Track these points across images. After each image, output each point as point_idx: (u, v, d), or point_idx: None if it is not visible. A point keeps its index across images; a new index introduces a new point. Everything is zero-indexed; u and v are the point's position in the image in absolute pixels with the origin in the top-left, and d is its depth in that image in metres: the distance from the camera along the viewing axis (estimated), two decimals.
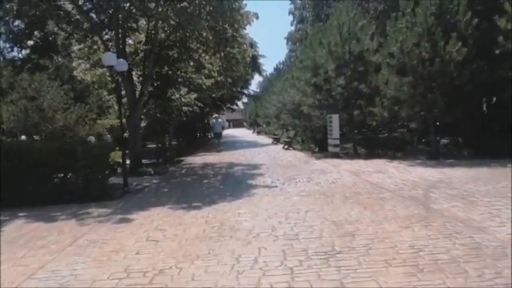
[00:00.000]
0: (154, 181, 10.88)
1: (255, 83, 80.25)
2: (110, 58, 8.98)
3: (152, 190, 9.39)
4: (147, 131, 18.04)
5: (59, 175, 8.33)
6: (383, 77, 13.46)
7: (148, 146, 26.52)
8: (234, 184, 9.65)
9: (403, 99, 12.53)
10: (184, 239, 5.19)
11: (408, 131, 14.85)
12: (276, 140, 25.78)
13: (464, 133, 14.40)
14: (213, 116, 20.90)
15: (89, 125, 16.16)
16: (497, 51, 11.01)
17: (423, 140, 15.56)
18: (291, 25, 42.50)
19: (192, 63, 14.06)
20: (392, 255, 4.20)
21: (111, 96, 17.82)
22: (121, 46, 12.50)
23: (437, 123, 13.14)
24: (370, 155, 14.47)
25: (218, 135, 21.20)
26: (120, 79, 9.83)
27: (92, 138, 16.89)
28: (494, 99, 14.52)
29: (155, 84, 13.32)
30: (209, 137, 22.65)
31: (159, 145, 26.17)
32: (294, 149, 19.87)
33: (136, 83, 13.23)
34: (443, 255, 4.12)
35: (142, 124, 18.25)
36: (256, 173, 11.45)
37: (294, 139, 20.89)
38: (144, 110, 17.51)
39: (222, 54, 12.65)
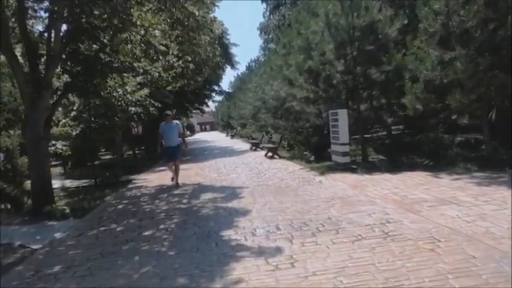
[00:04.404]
0: (58, 235, 6.16)
1: (226, 83, 75.81)
2: None
3: (27, 272, 4.66)
4: (81, 142, 13.15)
5: None
6: (412, 52, 9.30)
7: (104, 158, 21.72)
8: (197, 244, 5.10)
9: (450, 82, 8.36)
10: None
11: (444, 130, 10.75)
12: (255, 146, 21.36)
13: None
14: (167, 115, 10.53)
15: None
16: None
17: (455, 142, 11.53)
18: (263, 16, 38.41)
19: (133, 39, 9.33)
20: None
21: None
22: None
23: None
24: (392, 165, 10.27)
25: (171, 153, 10.14)
26: None
27: None
28: None
29: (73, 70, 8.54)
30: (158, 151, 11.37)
31: (113, 156, 21.33)
32: (281, 157, 15.49)
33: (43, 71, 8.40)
34: None
35: (75, 132, 13.38)
36: (236, 210, 6.94)
37: (279, 144, 16.49)
38: (74, 113, 12.73)
39: (174, 10, 8.07)
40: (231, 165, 14.34)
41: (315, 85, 12.23)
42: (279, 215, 6.24)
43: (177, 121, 10.90)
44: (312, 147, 13.72)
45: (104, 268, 4.45)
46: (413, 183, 7.83)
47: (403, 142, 11.23)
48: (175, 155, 10.20)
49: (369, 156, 12.03)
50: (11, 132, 12.96)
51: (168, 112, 11.03)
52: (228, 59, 24.98)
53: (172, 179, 10.47)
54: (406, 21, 11.00)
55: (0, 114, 12.98)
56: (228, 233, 5.44)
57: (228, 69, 30.16)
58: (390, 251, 4.20)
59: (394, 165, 10.20)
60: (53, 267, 4.63)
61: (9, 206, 9.18)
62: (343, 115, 10.63)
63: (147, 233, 5.84)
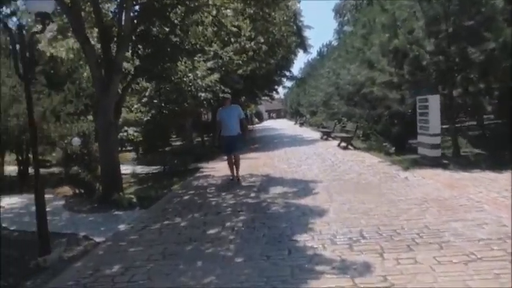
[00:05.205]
0: (122, 227, 5.89)
1: (296, 69, 74.36)
2: None
3: (85, 270, 4.32)
4: (152, 128, 13.16)
5: None
6: None
7: (174, 144, 22.14)
8: (266, 250, 4.41)
9: None
10: None
11: None
12: (326, 135, 20.23)
13: None
14: (225, 98, 9.51)
15: (68, 122, 11.60)
16: None
17: None
18: None
19: (205, 20, 8.83)
20: None
21: None
22: None
23: None
24: (494, 161, 8.68)
25: (231, 144, 8.68)
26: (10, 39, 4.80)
27: (76, 141, 12.31)
28: None
29: (143, 52, 8.27)
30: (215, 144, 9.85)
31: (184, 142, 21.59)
32: (356, 148, 14.30)
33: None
34: None
35: (146, 118, 13.46)
36: (310, 208, 6.14)
37: (355, 134, 15.26)
38: (145, 99, 12.75)
39: None
40: (302, 156, 13.51)
41: (399, 68, 10.85)
42: (361, 218, 5.33)
43: (236, 106, 9.22)
44: (392, 138, 12.35)
45: (163, 273, 3.95)
46: None
47: (507, 134, 9.47)
48: (235, 146, 8.67)
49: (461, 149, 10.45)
50: (88, 117, 13.45)
51: (227, 95, 9.68)
52: (301, 42, 23.84)
53: (232, 177, 9.00)
54: None
55: (79, 99, 13.54)
56: (303, 238, 4.68)
57: (299, 54, 29.03)
58: None
59: (496, 162, 8.63)
60: (112, 267, 4.24)
61: (82, 191, 9.39)
62: (434, 102, 9.22)
63: (211, 232, 5.29)
